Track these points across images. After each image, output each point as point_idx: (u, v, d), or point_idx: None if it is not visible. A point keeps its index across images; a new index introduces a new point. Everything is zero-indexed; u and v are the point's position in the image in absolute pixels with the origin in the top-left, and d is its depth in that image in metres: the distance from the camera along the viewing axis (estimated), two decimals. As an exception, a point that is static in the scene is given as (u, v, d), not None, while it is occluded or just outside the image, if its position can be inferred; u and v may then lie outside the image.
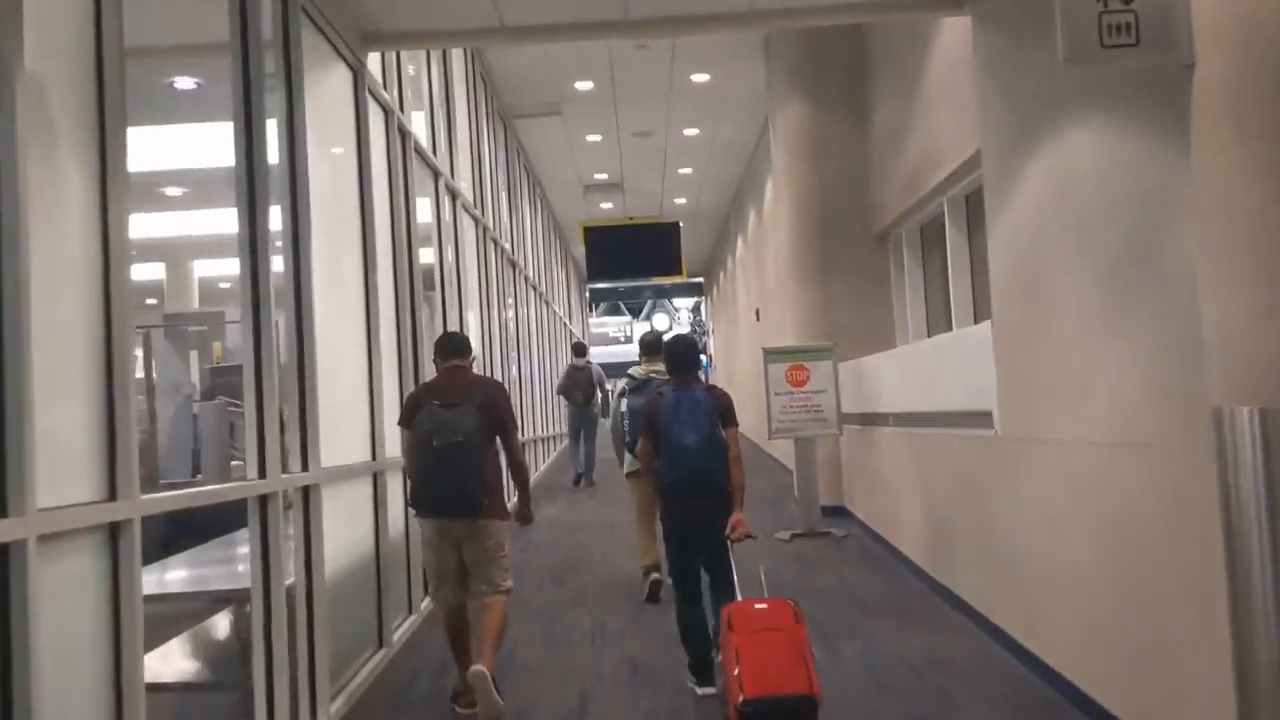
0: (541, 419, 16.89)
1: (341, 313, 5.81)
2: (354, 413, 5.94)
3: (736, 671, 4.35)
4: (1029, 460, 5.46)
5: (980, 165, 6.39)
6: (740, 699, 4.24)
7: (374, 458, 6.14)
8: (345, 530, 5.61)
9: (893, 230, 10.70)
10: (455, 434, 4.99)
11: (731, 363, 26.82)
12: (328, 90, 5.84)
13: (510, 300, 14.09)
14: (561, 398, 14.73)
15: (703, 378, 5.96)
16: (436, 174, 8.87)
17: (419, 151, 8.11)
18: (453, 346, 5.45)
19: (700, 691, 5.28)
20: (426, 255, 8.73)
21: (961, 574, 6.70)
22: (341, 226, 5.96)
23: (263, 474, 4.36)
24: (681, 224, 20.75)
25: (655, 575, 7.25)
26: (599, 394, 14.32)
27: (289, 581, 4.53)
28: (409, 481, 5.30)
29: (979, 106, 6.20)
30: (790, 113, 11.37)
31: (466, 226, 10.53)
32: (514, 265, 14.55)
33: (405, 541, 6.76)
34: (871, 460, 9.43)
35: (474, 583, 5.19)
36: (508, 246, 13.81)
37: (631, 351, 8.55)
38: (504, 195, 14.08)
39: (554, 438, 19.24)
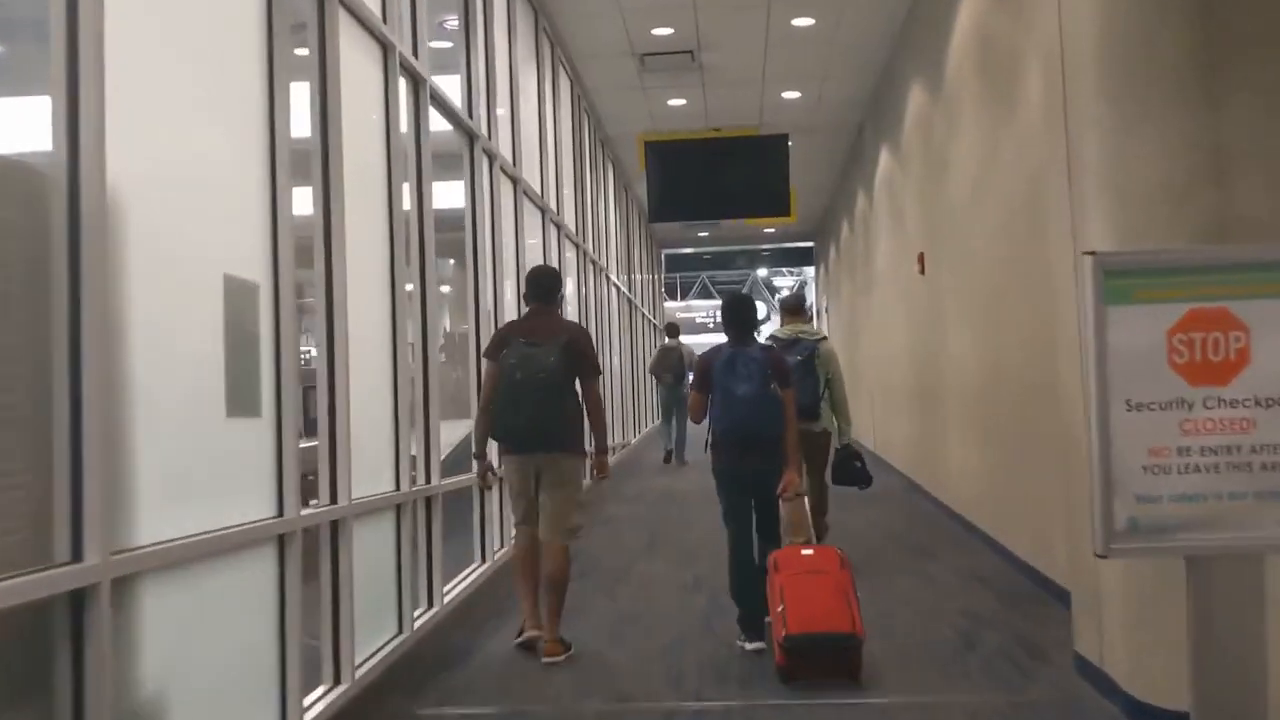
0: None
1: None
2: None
3: (781, 609, 4.79)
4: None
5: None
6: (783, 634, 4.69)
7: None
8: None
9: None
10: (539, 370, 5.20)
11: (856, 365, 16.50)
12: None
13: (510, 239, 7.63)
14: (654, 378, 15.75)
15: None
16: None
17: None
18: (542, 289, 5.59)
19: (749, 647, 5.30)
20: None
21: None
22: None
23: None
24: (792, 141, 13.83)
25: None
26: (689, 375, 14.90)
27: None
28: (485, 416, 5.44)
29: None
30: None
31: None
32: (507, 175, 7.90)
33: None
34: None
35: (543, 519, 5.37)
36: (479, 130, 7.16)
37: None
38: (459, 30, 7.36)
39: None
